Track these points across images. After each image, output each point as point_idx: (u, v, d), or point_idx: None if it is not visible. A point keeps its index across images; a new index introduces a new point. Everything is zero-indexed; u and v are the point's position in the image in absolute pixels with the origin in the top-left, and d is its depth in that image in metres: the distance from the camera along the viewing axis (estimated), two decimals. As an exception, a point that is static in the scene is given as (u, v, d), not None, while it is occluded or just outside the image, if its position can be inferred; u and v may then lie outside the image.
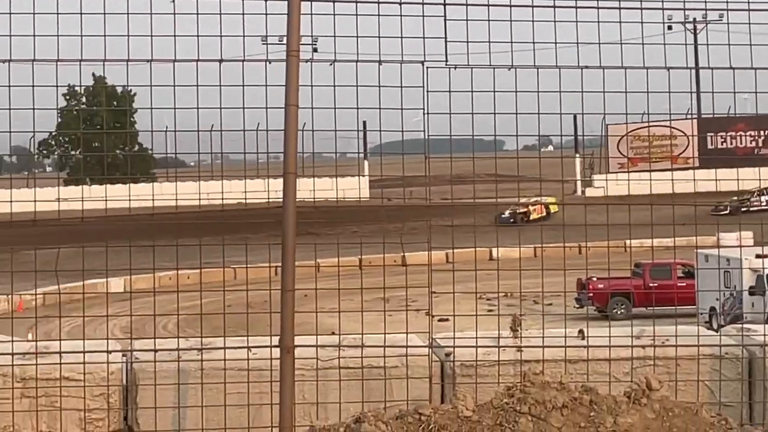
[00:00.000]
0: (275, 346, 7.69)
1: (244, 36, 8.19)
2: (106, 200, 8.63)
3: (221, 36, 8.14)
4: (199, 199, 8.87)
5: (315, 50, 8.03)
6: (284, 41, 7.67)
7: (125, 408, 8.11)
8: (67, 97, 54.08)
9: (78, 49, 7.93)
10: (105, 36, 7.94)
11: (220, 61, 8.02)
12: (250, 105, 8.11)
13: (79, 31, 7.92)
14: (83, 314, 8.41)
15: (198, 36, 8.05)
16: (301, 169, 7.75)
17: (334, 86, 8.14)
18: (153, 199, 8.74)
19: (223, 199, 9.03)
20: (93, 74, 9.20)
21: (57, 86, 8.16)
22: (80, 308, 8.88)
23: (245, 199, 9.13)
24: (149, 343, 8.26)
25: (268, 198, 8.63)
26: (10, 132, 8.12)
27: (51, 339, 8.64)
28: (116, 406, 8.07)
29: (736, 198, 70.80)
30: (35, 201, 8.46)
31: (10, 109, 7.93)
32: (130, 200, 8.54)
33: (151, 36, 8.00)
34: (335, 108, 8.18)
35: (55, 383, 7.92)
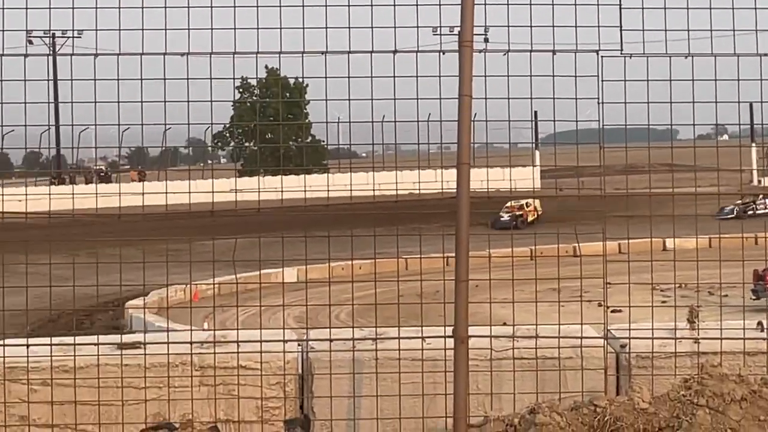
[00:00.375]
0: (449, 337, 7.69)
1: (417, 27, 8.21)
2: (282, 191, 8.73)
3: (395, 27, 8.17)
4: (374, 190, 8.93)
5: (486, 40, 8.00)
6: (456, 32, 7.65)
7: (301, 397, 8.20)
8: (241, 90, 55.00)
9: (252, 41, 8.05)
10: (281, 28, 8.03)
11: (394, 52, 8.04)
12: (422, 96, 8.11)
13: (254, 24, 8.03)
14: (260, 304, 8.54)
15: (372, 28, 8.10)
16: (473, 160, 7.72)
17: (508, 76, 8.10)
18: (328, 190, 8.82)
19: (397, 190, 9.06)
20: (266, 66, 9.31)
21: (233, 78, 8.30)
22: (253, 297, 9.03)
23: (419, 189, 9.12)
24: (324, 332, 8.33)
25: (442, 189, 8.63)
26: (188, 124, 8.27)
27: (228, 328, 8.78)
28: (292, 395, 8.17)
29: (740, 201, 67.40)
30: (212, 192, 8.62)
31: (188, 101, 8.08)
32: (305, 191, 8.65)
33: (326, 28, 8.06)
34: (509, 98, 8.13)
35: (232, 372, 8.05)
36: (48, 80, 8.30)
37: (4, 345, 8.21)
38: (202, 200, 9.13)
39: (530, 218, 68.35)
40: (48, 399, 7.98)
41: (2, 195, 8.72)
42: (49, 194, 8.64)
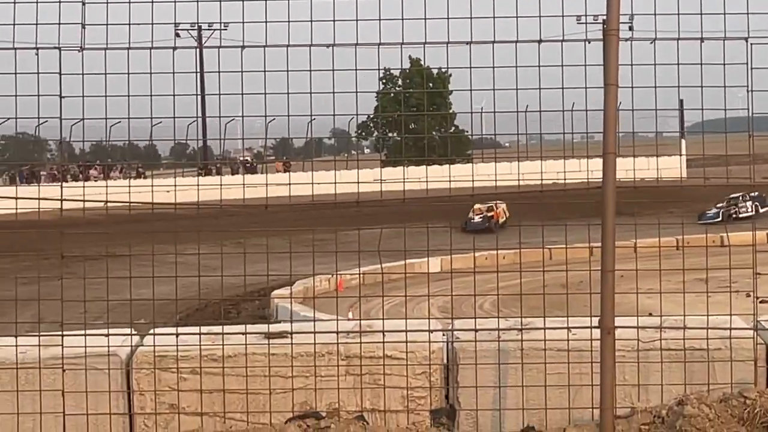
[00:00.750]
0: (595, 327, 7.62)
1: (563, 16, 8.14)
2: (426, 181, 8.74)
3: (540, 16, 8.12)
4: (518, 181, 8.89)
5: (631, 29, 7.90)
6: (600, 20, 7.57)
7: (446, 386, 8.21)
8: (384, 81, 55.22)
9: (396, 32, 8.07)
10: (425, 19, 8.04)
11: (539, 41, 7.99)
12: (567, 85, 8.05)
13: (399, 14, 8.05)
14: (405, 294, 8.57)
15: (517, 17, 8.06)
16: (618, 149, 7.63)
17: (655, 65, 7.98)
18: (473, 180, 8.81)
19: (542, 180, 9.01)
20: (410, 57, 9.32)
21: (378, 69, 8.33)
22: (397, 287, 9.07)
23: (564, 179, 9.05)
24: (469, 322, 8.32)
25: (588, 178, 8.55)
26: (333, 115, 8.33)
27: (373, 318, 8.83)
28: (437, 385, 8.17)
29: (723, 203, 64.53)
30: (357, 182, 8.66)
31: (333, 92, 8.14)
32: (450, 181, 8.64)
33: (471, 18, 8.05)
34: (655, 87, 8.01)
35: (378, 361, 8.09)
36: (196, 72, 8.44)
37: (154, 334, 8.38)
38: (346, 190, 9.19)
39: (501, 220, 64.06)
40: (197, 387, 8.11)
41: (152, 186, 8.88)
42: (197, 185, 8.77)
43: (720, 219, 59.64)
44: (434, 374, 8.15)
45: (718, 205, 64.01)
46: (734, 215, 65.12)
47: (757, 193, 64.42)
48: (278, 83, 8.10)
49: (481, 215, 63.77)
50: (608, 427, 7.53)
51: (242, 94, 8.22)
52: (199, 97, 8.84)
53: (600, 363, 7.55)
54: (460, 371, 8.14)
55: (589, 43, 8.01)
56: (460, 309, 10.06)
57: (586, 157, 8.62)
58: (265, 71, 8.16)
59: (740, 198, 67.23)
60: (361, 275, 9.25)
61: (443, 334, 8.40)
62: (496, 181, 8.64)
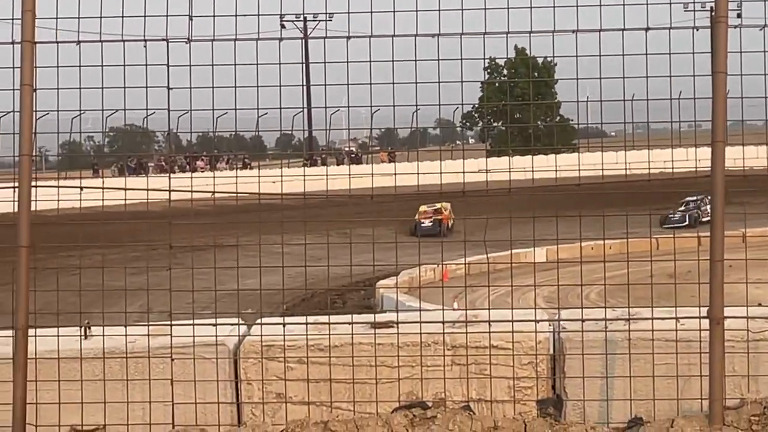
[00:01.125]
0: (704, 318, 7.53)
1: (671, 3, 8.06)
2: (532, 171, 8.70)
3: (647, 4, 8.04)
4: (626, 170, 8.79)
5: (739, 15, 7.78)
6: (708, 8, 7.47)
7: (553, 377, 8.17)
8: (489, 70, 55.12)
9: (502, 21, 8.04)
10: (531, 8, 7.99)
11: (646, 29, 7.90)
12: (674, 73, 7.95)
13: (504, 3, 8.02)
14: (511, 284, 8.55)
15: (624, 5, 7.99)
16: (727, 138, 7.53)
17: (765, 52, 7.86)
18: (579, 170, 8.74)
19: (649, 169, 8.90)
20: (515, 46, 9.27)
21: (483, 59, 8.31)
22: (503, 277, 9.04)
23: (672, 168, 8.94)
24: (576, 312, 8.26)
25: (696, 167, 8.43)
26: (439, 105, 8.32)
27: (479, 308, 8.81)
28: (544, 375, 8.14)
29: (683, 208, 61.30)
30: (463, 172, 8.64)
31: (438, 82, 8.13)
32: (555, 171, 8.58)
33: (577, 7, 8.00)
34: (765, 75, 7.88)
35: (484, 351, 8.08)
36: (301, 63, 8.48)
37: (261, 323, 8.45)
38: (451, 180, 9.17)
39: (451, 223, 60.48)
40: (304, 377, 8.17)
41: (258, 176, 8.94)
42: (303, 176, 8.84)
43: (687, 223, 56.61)
44: (540, 364, 8.11)
45: (680, 209, 61.32)
46: (700, 218, 59.78)
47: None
48: (383, 73, 8.12)
49: (430, 218, 60.79)
50: (717, 418, 7.44)
51: (348, 84, 8.25)
52: (305, 88, 8.89)
53: (709, 353, 7.46)
54: (567, 361, 8.09)
55: (697, 30, 7.90)
56: (566, 299, 9.99)
57: (694, 146, 8.50)
58: (370, 62, 8.18)
59: (703, 201, 61.09)
60: (467, 265, 9.21)
61: (549, 324, 8.36)
62: (602, 170, 8.57)
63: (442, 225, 58.34)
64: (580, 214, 8.41)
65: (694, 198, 61.14)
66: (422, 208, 60.25)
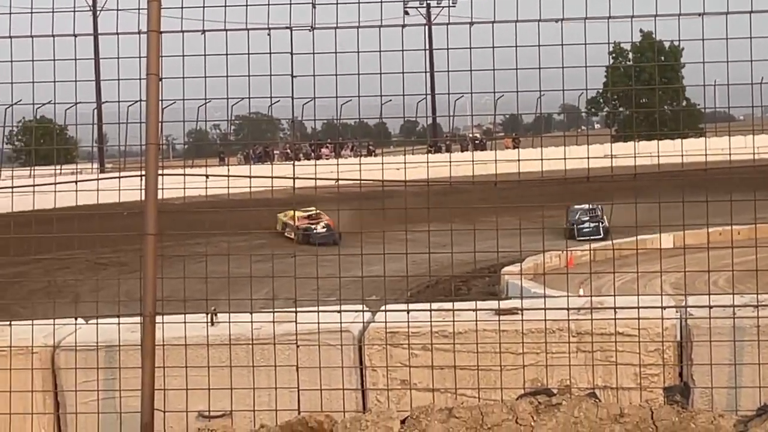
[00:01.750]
0: (836, 304, 7.38)
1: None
2: (657, 156, 8.60)
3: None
4: (753, 154, 8.64)
5: None
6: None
7: (680, 364, 8.06)
8: (614, 55, 54.52)
9: (626, 5, 7.95)
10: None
11: (775, 10, 7.76)
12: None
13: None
14: (636, 270, 8.44)
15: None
16: None
17: None
18: (705, 155, 8.60)
19: (777, 152, 8.74)
20: (641, 30, 9.15)
21: (608, 43, 8.23)
22: (628, 264, 8.92)
23: (801, 152, 8.77)
24: (703, 299, 8.14)
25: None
26: (563, 90, 8.26)
27: (604, 294, 8.73)
28: (671, 362, 8.04)
29: (588, 217, 54.70)
30: (587, 158, 8.57)
31: (562, 67, 8.07)
32: (682, 156, 8.47)
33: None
34: None
35: (610, 338, 8.00)
36: (425, 50, 8.48)
37: (386, 310, 8.48)
38: (576, 166, 9.10)
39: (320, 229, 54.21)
40: (428, 363, 8.18)
41: (382, 163, 8.98)
42: (427, 162, 8.82)
43: (602, 235, 49.49)
44: (667, 351, 8.01)
45: (585, 219, 55.55)
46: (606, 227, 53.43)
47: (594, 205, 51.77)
48: (507, 59, 8.08)
49: (322, 224, 54.75)
50: None
51: (471, 70, 8.23)
52: (429, 75, 8.89)
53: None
54: (694, 348, 7.98)
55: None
56: (693, 285, 9.82)
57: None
58: (493, 47, 8.14)
59: (597, 210, 55.52)
60: (592, 251, 9.13)
61: (676, 311, 8.25)
62: (730, 155, 8.42)
63: (331, 231, 47.75)
64: (707, 200, 8.27)
65: (585, 207, 54.13)
66: (297, 214, 53.33)
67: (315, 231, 53.46)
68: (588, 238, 48.11)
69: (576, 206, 53.26)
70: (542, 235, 8.70)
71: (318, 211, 55.16)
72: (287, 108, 8.49)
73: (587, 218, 55.91)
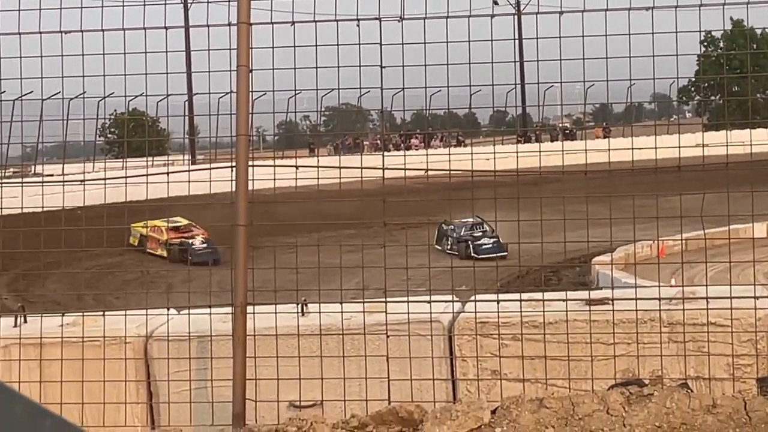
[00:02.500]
0: None
1: None
2: (750, 145, 8.49)
3: None
4: None
5: None
6: None
7: (772, 354, 7.97)
8: (705, 43, 53.89)
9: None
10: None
11: None
12: None
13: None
14: (729, 260, 8.35)
15: None
16: None
17: None
18: (800, 143, 8.50)
19: None
20: (731, 18, 9.05)
21: (699, 31, 8.15)
22: (721, 253, 8.82)
23: None
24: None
25: None
26: (654, 79, 8.19)
27: (696, 284, 8.65)
28: (764, 353, 7.94)
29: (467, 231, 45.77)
30: (678, 147, 8.50)
31: (653, 56, 8.00)
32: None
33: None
34: None
35: (702, 328, 7.92)
36: (513, 39, 8.46)
37: (475, 300, 8.48)
38: (667, 155, 9.02)
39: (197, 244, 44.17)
40: (518, 353, 8.16)
41: (471, 153, 8.97)
42: (516, 152, 8.80)
43: (506, 252, 35.74)
44: (761, 342, 7.91)
45: (476, 234, 46.32)
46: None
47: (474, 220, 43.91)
48: (596, 48, 8.03)
49: (200, 238, 44.99)
50: None
51: (560, 60, 8.20)
52: (518, 64, 8.86)
53: None
54: (787, 339, 7.88)
55: None
56: (787, 276, 9.69)
57: None
58: (583, 36, 8.10)
59: (480, 226, 46.46)
60: (684, 241, 9.04)
61: (771, 301, 8.14)
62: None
63: (212, 247, 37.82)
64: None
65: (470, 221, 45.13)
66: (156, 223, 45.95)
67: (192, 246, 43.21)
68: (489, 256, 36.70)
69: (460, 220, 44.63)
70: (633, 225, 8.62)
71: (189, 223, 46.16)
72: (376, 99, 8.52)
73: (480, 233, 46.45)
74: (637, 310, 8.01)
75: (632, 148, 8.59)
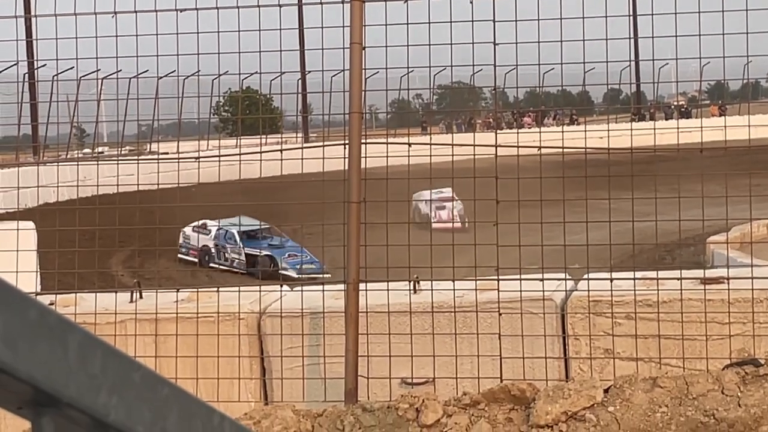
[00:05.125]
0: None
1: None
2: None
3: None
4: None
5: None
6: None
7: None
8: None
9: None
10: None
11: None
12: None
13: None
14: None
15: None
16: None
17: None
18: None
19: None
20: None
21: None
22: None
23: None
24: None
25: None
26: (723, 57, 8.05)
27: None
28: None
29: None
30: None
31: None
32: None
33: None
34: None
35: None
36: (628, 16, 8.36)
37: (588, 279, 8.43)
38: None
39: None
40: (631, 332, 8.10)
41: (585, 131, 8.90)
42: (630, 130, 8.72)
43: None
44: None
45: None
46: None
47: None
48: (713, 23, 7.92)
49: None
50: None
51: (675, 36, 8.10)
52: (632, 41, 8.77)
53: None
54: None
55: None
56: None
57: None
58: (699, 12, 7.99)
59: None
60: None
61: None
62: None
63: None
64: None
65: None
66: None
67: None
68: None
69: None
70: (749, 204, 8.50)
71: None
72: (489, 77, 8.49)
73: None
74: (753, 290, 7.90)
75: (749, 125, 8.46)
